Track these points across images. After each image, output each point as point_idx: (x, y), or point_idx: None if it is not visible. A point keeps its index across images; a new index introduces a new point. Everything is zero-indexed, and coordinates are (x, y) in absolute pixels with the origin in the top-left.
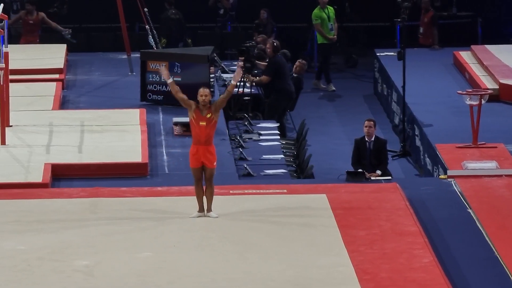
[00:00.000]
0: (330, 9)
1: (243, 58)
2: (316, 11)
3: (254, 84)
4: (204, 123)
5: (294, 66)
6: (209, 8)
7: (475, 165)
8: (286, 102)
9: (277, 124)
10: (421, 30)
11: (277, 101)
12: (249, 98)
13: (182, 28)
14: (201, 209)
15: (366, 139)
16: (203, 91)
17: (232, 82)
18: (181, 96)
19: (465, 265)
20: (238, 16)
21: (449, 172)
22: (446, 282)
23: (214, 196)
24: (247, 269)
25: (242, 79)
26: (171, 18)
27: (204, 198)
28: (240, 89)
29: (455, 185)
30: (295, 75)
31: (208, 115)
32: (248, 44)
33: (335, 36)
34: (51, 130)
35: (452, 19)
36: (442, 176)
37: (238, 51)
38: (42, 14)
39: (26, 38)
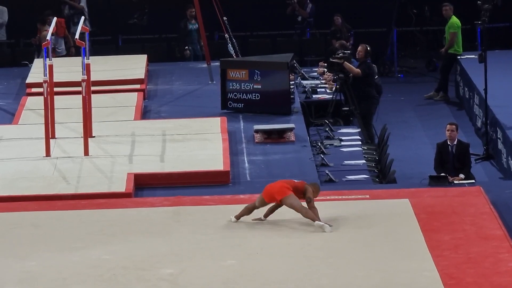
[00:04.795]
0: None
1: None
2: (457, 19)
3: (345, 67)
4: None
5: (358, 51)
6: (287, 15)
7: None
8: (375, 108)
9: (358, 130)
10: None
11: (369, 108)
12: (347, 108)
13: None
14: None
15: (449, 142)
16: None
17: (316, 222)
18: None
19: None
20: (316, 23)
21: None
22: None
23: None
24: (332, 275)
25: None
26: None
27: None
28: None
29: None
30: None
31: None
32: (339, 55)
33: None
34: (133, 140)
35: None
36: None
37: (329, 63)
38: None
39: None
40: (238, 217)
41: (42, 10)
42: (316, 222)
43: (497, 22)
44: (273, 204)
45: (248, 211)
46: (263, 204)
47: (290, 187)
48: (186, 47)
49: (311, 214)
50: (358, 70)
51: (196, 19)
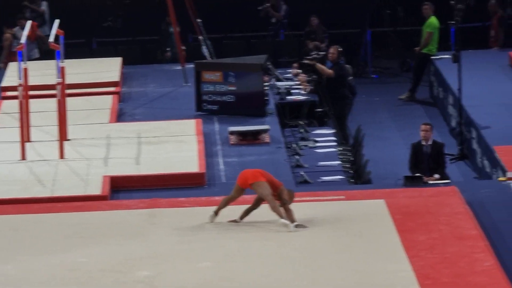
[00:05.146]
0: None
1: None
2: (435, 20)
3: (317, 68)
4: None
5: (330, 52)
6: (261, 17)
7: None
8: (349, 109)
9: (333, 131)
10: (492, 33)
11: (344, 109)
12: (322, 110)
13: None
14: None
15: (423, 143)
16: None
17: (281, 222)
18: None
19: None
20: (290, 24)
21: (509, 174)
22: (509, 285)
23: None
24: (308, 276)
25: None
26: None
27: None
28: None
29: None
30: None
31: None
32: (312, 57)
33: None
34: (109, 142)
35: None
36: (501, 178)
37: (303, 65)
38: None
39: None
40: (216, 212)
41: (2, 14)
42: (282, 220)
43: (471, 22)
44: (249, 206)
45: (225, 203)
46: (239, 191)
47: (265, 176)
48: (168, 49)
49: (278, 210)
50: (330, 71)
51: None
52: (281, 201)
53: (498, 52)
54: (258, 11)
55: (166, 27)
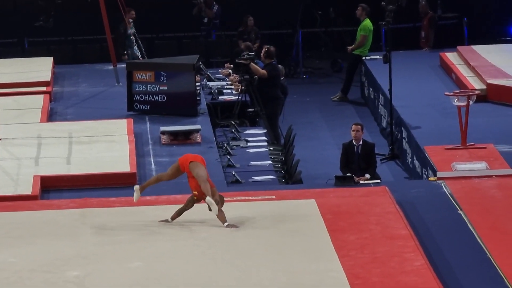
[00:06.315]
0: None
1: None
2: (369, 23)
3: (251, 68)
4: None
5: (262, 52)
6: (193, 16)
7: (464, 166)
8: (281, 109)
9: (264, 131)
10: (423, 34)
11: (275, 109)
12: (253, 110)
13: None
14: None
15: (354, 143)
16: None
17: (207, 199)
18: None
19: (457, 267)
20: (222, 24)
21: (439, 174)
22: (439, 284)
23: (203, 204)
24: (238, 276)
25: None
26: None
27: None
28: (227, 97)
29: (445, 187)
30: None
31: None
32: (245, 57)
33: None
34: (40, 142)
35: (438, 21)
36: (431, 178)
37: (235, 65)
38: None
39: None
40: (143, 187)
41: None
42: (208, 198)
43: (401, 23)
44: (181, 206)
45: (156, 180)
46: (174, 172)
47: (204, 165)
48: (125, 51)
49: (209, 192)
50: (264, 71)
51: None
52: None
53: (429, 53)
54: (190, 11)
55: (125, 28)
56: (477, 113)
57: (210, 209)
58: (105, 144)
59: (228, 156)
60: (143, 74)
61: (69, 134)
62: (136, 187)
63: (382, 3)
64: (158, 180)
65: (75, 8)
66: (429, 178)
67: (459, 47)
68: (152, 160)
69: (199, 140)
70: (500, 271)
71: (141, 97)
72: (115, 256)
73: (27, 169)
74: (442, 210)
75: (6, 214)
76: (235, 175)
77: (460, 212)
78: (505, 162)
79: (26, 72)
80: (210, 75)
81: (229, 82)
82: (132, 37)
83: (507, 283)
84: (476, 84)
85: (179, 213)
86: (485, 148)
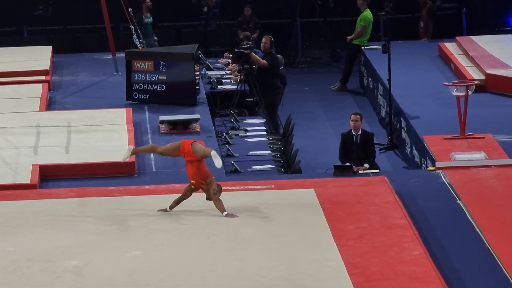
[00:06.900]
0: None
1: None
2: (370, 13)
3: (252, 57)
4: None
5: (262, 42)
6: (193, 6)
7: (463, 156)
8: (280, 98)
9: (263, 120)
10: (422, 24)
11: (274, 98)
12: (252, 99)
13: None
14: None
15: (353, 132)
16: None
17: (212, 153)
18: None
19: (455, 257)
20: (221, 14)
21: (438, 164)
22: (437, 274)
23: (201, 194)
24: (237, 265)
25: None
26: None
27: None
28: (226, 86)
29: (444, 177)
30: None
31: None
32: (245, 46)
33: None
34: (38, 131)
35: (437, 11)
36: (430, 168)
37: (236, 54)
38: None
39: None
40: (136, 151)
41: None
42: (213, 152)
43: (400, 13)
44: (179, 196)
45: (151, 149)
46: (172, 150)
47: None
48: (140, 40)
49: (208, 152)
50: (264, 61)
51: (151, 12)
52: (211, 191)
53: (428, 43)
54: (189, 0)
55: (141, 18)
56: (476, 103)
57: (208, 199)
58: (104, 133)
59: (227, 145)
60: (142, 63)
61: (68, 123)
62: (130, 147)
63: None
64: (152, 151)
65: None
66: (428, 168)
67: (458, 37)
68: None
69: (198, 129)
70: (498, 261)
71: (140, 86)
72: (113, 245)
73: (26, 158)
74: (441, 200)
75: (5, 203)
76: (234, 164)
77: (459, 202)
78: (503, 152)
79: (25, 61)
80: (209, 64)
81: (228, 72)
82: (150, 27)
83: (505, 272)
84: (475, 74)
85: (177, 202)
86: (483, 138)
